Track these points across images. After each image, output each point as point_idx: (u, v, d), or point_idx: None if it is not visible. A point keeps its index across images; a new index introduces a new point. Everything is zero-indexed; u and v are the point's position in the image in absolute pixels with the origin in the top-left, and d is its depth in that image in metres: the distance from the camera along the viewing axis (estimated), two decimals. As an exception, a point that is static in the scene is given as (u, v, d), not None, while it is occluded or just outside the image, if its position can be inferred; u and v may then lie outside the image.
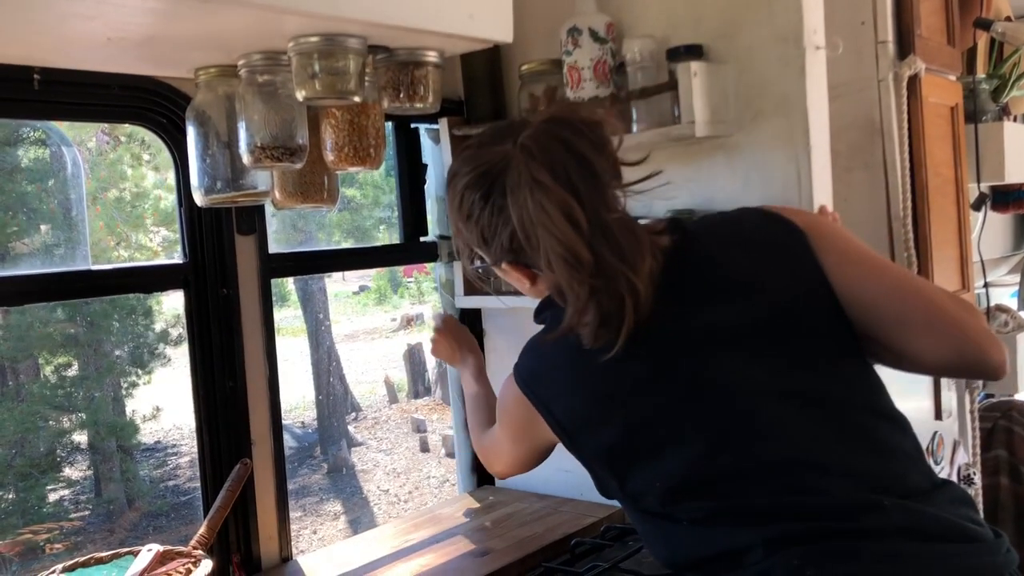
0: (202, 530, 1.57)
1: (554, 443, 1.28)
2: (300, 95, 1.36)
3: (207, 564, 1.47)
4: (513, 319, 2.08)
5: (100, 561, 1.50)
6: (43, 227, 7.49)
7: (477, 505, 2.07)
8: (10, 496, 7.74)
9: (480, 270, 1.31)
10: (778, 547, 1.02)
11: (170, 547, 1.54)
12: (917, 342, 1.13)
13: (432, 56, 1.46)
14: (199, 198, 1.51)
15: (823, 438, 1.08)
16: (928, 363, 1.16)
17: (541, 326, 1.27)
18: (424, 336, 13.76)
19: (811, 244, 1.15)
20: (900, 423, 1.14)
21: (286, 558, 1.80)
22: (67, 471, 8.57)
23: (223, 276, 1.70)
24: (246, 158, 1.43)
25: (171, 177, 1.69)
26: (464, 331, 1.76)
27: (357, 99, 1.38)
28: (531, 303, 1.89)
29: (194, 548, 1.54)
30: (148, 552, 1.50)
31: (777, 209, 1.25)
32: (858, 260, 1.17)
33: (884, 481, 1.07)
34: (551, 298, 1.21)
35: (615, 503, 1.91)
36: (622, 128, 1.16)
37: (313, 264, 2.21)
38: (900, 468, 1.10)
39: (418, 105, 1.49)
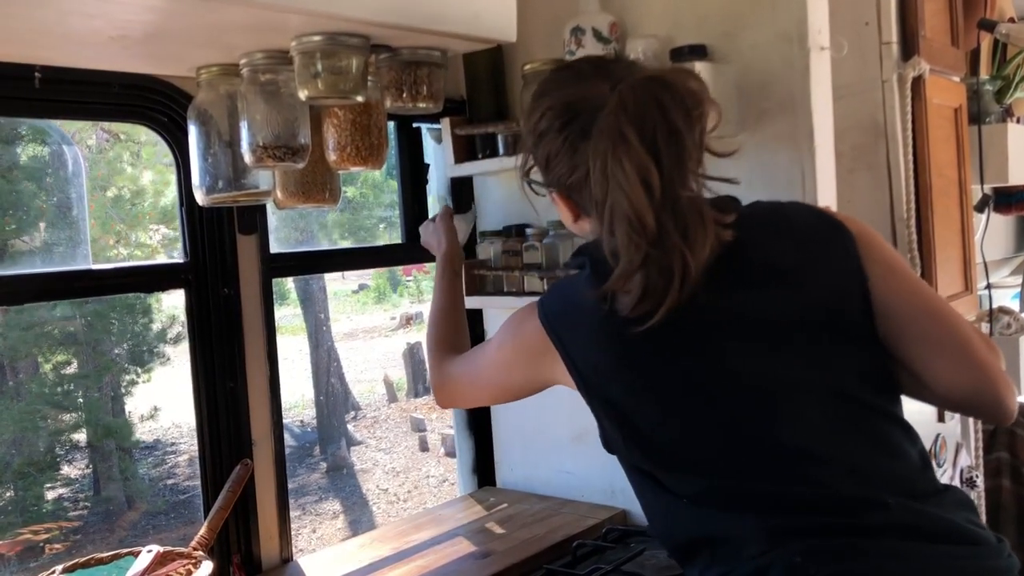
0: (202, 531, 1.57)
1: (547, 385, 1.28)
2: (303, 94, 1.35)
3: (207, 565, 1.46)
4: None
5: (100, 562, 1.49)
6: (43, 225, 7.48)
7: (478, 506, 2.06)
8: (8, 495, 7.74)
9: (531, 184, 1.29)
10: (777, 540, 1.02)
11: (170, 548, 1.53)
12: (939, 367, 1.13)
13: (435, 55, 1.45)
14: (200, 197, 1.50)
15: (835, 433, 1.08)
16: (944, 391, 1.15)
17: (574, 272, 1.25)
18: (423, 335, 13.75)
19: (859, 249, 1.15)
20: (910, 433, 1.14)
21: (286, 559, 1.80)
22: (66, 469, 8.56)
23: (224, 276, 1.70)
24: (248, 157, 1.42)
25: (170, 175, 1.68)
26: (451, 225, 1.81)
27: (360, 99, 1.38)
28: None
29: (194, 549, 1.53)
30: (148, 553, 1.49)
31: (829, 210, 1.25)
32: (903, 275, 1.17)
33: (891, 481, 1.07)
34: (590, 246, 1.20)
35: (617, 504, 1.94)
36: (719, 112, 1.13)
37: (314, 264, 2.20)
38: (908, 472, 1.10)
39: (421, 105, 1.49)
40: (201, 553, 1.52)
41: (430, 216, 1.98)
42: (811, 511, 1.03)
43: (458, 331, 1.59)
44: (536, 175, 1.27)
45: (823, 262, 1.15)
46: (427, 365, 1.94)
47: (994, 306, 2.43)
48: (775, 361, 1.10)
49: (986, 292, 2.41)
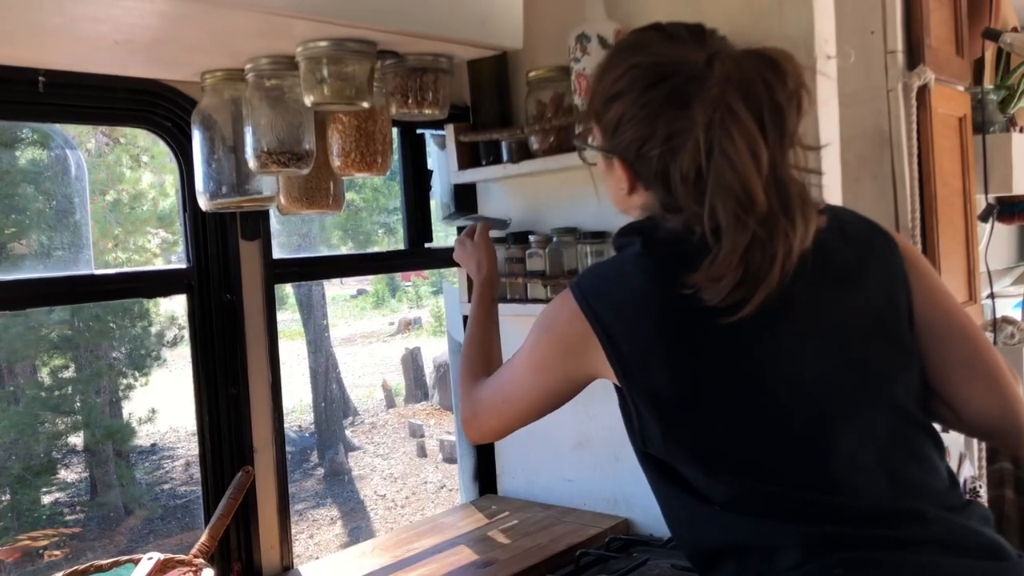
0: (203, 538, 1.56)
1: (583, 384, 1.19)
2: (308, 100, 1.34)
3: (208, 573, 1.45)
4: (519, 327, 2.06)
5: (100, 569, 1.48)
6: (45, 229, 7.47)
7: (480, 514, 2.05)
8: (5, 499, 7.71)
9: (582, 146, 1.22)
10: (816, 550, 0.99)
11: (171, 555, 1.52)
12: (970, 391, 1.12)
13: (441, 62, 1.45)
14: (204, 203, 1.50)
15: (882, 444, 1.06)
16: (970, 414, 1.14)
17: (614, 253, 1.18)
18: (422, 341, 13.77)
19: (904, 260, 1.13)
20: (941, 448, 1.13)
21: (287, 567, 1.78)
22: (63, 473, 8.54)
23: (227, 281, 1.69)
24: (252, 163, 1.42)
25: (169, 179, 1.67)
26: (491, 246, 1.69)
27: (366, 105, 1.37)
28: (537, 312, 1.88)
29: (195, 556, 1.52)
30: (149, 560, 1.48)
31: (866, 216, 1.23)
32: (943, 294, 1.15)
33: (926, 493, 1.05)
34: (644, 224, 1.13)
35: (619, 513, 1.93)
36: (811, 97, 1.07)
37: (317, 270, 2.19)
38: (941, 486, 1.08)
39: (427, 111, 1.48)
40: (202, 560, 1.51)
41: (440, 225, 1.94)
42: (853, 521, 1.01)
43: (491, 363, 1.45)
44: (593, 140, 1.18)
45: (875, 269, 1.12)
46: (457, 399, 1.87)
47: (997, 316, 2.42)
48: (837, 364, 1.07)
49: (989, 301, 2.41)
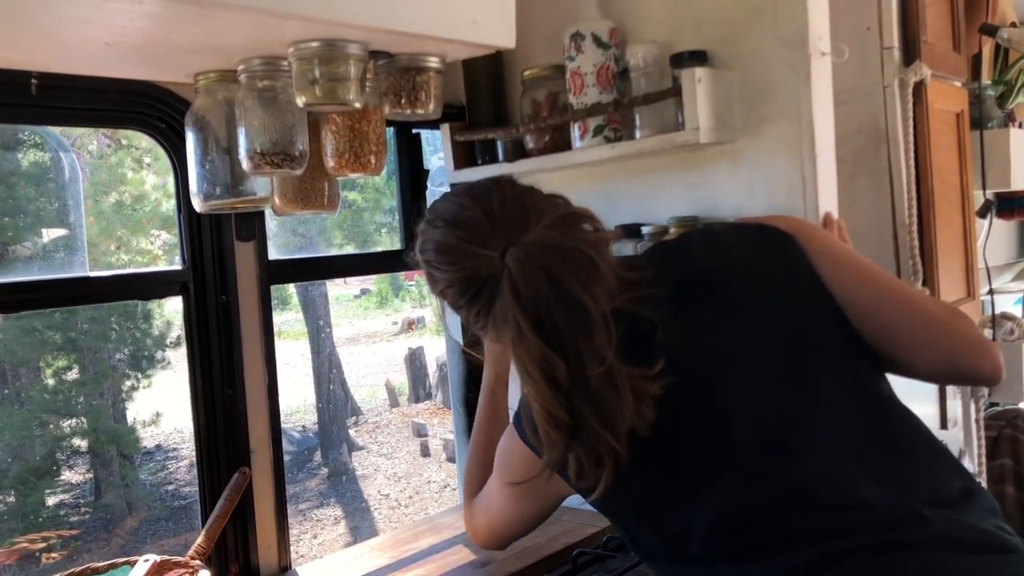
0: (200, 539, 1.56)
1: (566, 496, 1.22)
2: (300, 101, 1.34)
3: (205, 574, 1.46)
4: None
5: (96, 571, 1.49)
6: (41, 232, 7.48)
7: (478, 514, 2.05)
8: (10, 500, 7.73)
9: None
10: (822, 568, 1.00)
11: (167, 557, 1.52)
12: (906, 353, 1.12)
13: (434, 61, 1.44)
14: (198, 204, 1.50)
15: (857, 449, 1.06)
16: (920, 373, 1.15)
17: None
18: (425, 340, 13.77)
19: (803, 248, 1.13)
20: (916, 422, 1.12)
21: (285, 567, 1.78)
22: (67, 475, 8.56)
23: (223, 283, 1.69)
24: (246, 164, 1.42)
25: (171, 181, 1.67)
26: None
27: (358, 105, 1.37)
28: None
29: (192, 558, 1.52)
30: (145, 562, 1.48)
31: (754, 220, 1.23)
32: (846, 262, 1.15)
33: (919, 489, 1.05)
34: None
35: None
36: (617, 234, 1.10)
37: (313, 270, 2.19)
38: (930, 472, 1.08)
39: (420, 111, 1.48)
40: (199, 562, 1.51)
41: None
42: (850, 534, 1.01)
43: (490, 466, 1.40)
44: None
45: (778, 273, 1.12)
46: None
47: (997, 312, 2.41)
48: (774, 394, 1.07)
49: (988, 298, 2.40)
